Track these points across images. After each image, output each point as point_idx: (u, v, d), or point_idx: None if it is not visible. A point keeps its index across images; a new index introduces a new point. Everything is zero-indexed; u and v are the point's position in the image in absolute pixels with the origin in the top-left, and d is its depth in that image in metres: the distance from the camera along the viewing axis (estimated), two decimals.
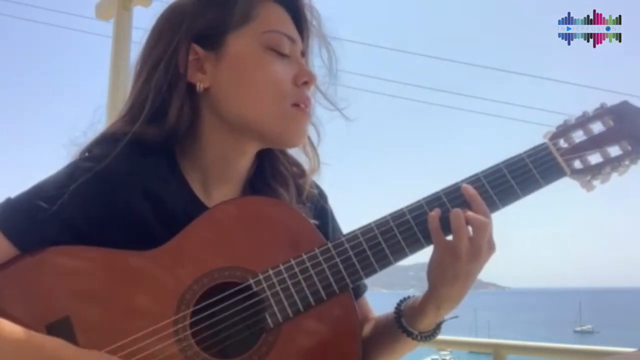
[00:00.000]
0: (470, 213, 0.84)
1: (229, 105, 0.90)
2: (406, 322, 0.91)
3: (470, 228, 0.84)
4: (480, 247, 0.83)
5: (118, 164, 0.85)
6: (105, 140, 0.89)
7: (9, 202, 0.83)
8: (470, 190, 0.86)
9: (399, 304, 0.94)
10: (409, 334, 0.91)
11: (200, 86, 0.89)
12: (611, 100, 0.95)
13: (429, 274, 0.87)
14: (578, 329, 71.04)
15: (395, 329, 0.92)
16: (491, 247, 0.85)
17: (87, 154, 0.88)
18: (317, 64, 0.99)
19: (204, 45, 0.90)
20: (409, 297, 0.96)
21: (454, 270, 0.84)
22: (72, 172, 0.85)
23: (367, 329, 1.01)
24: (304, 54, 0.97)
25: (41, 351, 0.75)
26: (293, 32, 0.94)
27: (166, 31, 0.91)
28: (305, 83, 0.92)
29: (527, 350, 2.27)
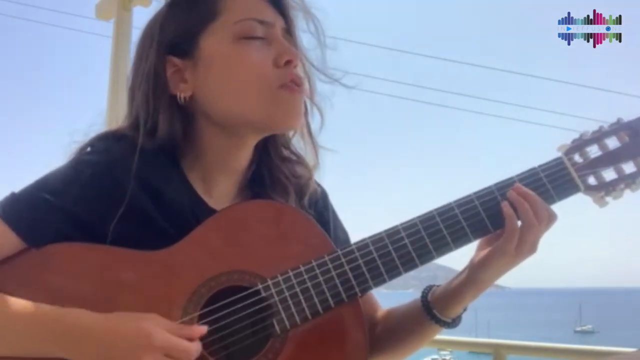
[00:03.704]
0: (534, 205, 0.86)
1: (216, 107, 0.89)
2: (438, 312, 0.93)
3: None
4: (538, 239, 0.87)
5: (122, 158, 0.85)
6: (108, 137, 0.89)
7: (14, 196, 0.83)
8: (521, 188, 0.87)
9: (424, 296, 0.95)
10: (443, 323, 0.93)
11: (181, 97, 0.88)
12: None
13: (486, 263, 0.88)
14: (578, 329, 70.98)
15: (424, 320, 0.94)
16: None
17: (89, 149, 0.88)
18: (305, 41, 0.95)
19: (180, 55, 0.89)
20: (431, 288, 0.96)
21: (513, 261, 0.87)
22: (77, 166, 0.85)
23: (381, 322, 1.02)
24: (290, 31, 0.93)
25: (60, 323, 0.75)
26: (266, 13, 0.90)
27: (145, 49, 0.91)
28: (289, 62, 0.89)
29: (527, 350, 2.27)
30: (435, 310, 0.93)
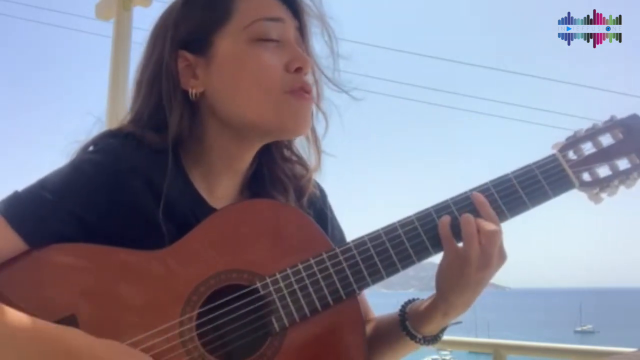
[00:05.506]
0: (480, 220, 0.84)
1: (225, 107, 0.89)
2: (411, 325, 0.92)
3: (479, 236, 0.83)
4: (490, 255, 0.83)
5: (124, 156, 0.85)
6: (111, 135, 0.89)
7: (16, 195, 0.83)
8: (480, 197, 0.86)
9: (403, 307, 0.94)
10: (412, 337, 0.92)
11: (192, 93, 0.89)
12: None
13: (439, 281, 0.87)
14: (578, 329, 71.03)
15: (398, 331, 0.93)
16: (502, 257, 0.85)
17: (92, 148, 0.88)
18: (318, 48, 0.95)
19: (193, 51, 0.89)
20: (414, 300, 0.95)
21: (465, 278, 0.83)
22: (79, 165, 0.85)
23: (368, 328, 1.01)
24: (301, 32, 0.94)
25: (58, 341, 0.74)
26: (278, 11, 0.90)
27: (158, 41, 0.91)
28: (299, 69, 0.89)
29: (527, 350, 2.27)
30: (408, 322, 0.92)
